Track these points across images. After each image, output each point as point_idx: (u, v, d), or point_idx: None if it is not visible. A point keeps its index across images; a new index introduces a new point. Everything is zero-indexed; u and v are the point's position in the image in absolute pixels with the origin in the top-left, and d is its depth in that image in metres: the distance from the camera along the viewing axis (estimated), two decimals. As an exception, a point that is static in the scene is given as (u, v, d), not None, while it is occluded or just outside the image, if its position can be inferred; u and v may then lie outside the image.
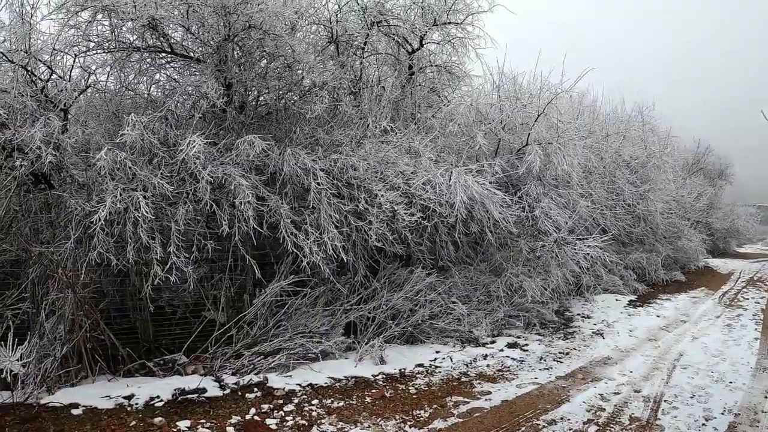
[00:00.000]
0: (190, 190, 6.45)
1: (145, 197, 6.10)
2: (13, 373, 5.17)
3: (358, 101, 8.50)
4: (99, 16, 7.15)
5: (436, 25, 9.69)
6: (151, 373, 6.27)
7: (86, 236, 6.17)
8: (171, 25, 7.49)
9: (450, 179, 7.05)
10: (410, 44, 9.83)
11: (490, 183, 7.79)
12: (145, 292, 6.13)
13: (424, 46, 9.89)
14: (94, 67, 7.42)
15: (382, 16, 9.10)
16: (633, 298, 11.79)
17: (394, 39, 9.77)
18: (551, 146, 8.68)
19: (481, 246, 8.57)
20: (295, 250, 6.29)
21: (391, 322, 7.04)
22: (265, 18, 7.15)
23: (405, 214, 6.58)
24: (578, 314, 9.91)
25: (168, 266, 6.04)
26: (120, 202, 6.00)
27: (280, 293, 6.72)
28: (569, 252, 8.74)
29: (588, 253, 8.93)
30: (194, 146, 6.12)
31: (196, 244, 6.45)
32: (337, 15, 8.75)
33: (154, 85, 8.28)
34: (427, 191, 6.87)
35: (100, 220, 5.75)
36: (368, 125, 7.33)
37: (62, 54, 7.07)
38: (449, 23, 9.80)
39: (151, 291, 6.10)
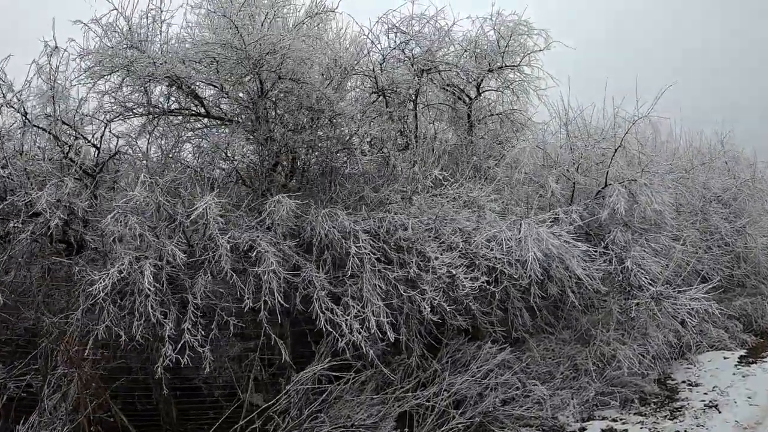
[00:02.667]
0: (211, 257, 4.99)
1: (157, 266, 4.74)
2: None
3: (412, 154, 6.91)
4: (126, 80, 6.10)
5: (491, 71, 7.97)
6: (168, 463, 4.81)
7: (98, 308, 4.87)
8: (200, 85, 6.32)
9: (519, 232, 5.17)
10: (467, 95, 8.12)
11: (568, 233, 5.83)
12: (159, 372, 4.66)
13: (482, 94, 8.19)
14: (130, 134, 6.32)
15: (431, 63, 7.51)
16: (743, 353, 9.01)
17: (448, 90, 8.17)
18: (635, 184, 6.60)
19: (563, 310, 6.49)
20: (329, 328, 4.61)
21: (455, 411, 5.08)
22: (294, 66, 5.75)
23: (466, 278, 4.76)
24: (683, 381, 7.41)
25: (180, 345, 4.59)
26: (132, 270, 4.66)
27: (319, 378, 5.02)
28: (670, 308, 6.47)
29: (692, 308, 6.62)
30: (209, 207, 4.68)
31: (217, 319, 4.97)
32: (381, 65, 7.22)
33: (190, 151, 7.06)
34: (492, 249, 5.02)
35: (105, 289, 4.43)
36: (417, 176, 5.61)
37: (91, 119, 6.04)
38: (505, 67, 8.06)
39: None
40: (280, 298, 4.51)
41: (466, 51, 8.07)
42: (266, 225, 5.23)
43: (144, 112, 6.26)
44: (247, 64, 5.66)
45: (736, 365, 8.30)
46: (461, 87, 8.13)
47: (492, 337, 5.63)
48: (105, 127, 6.05)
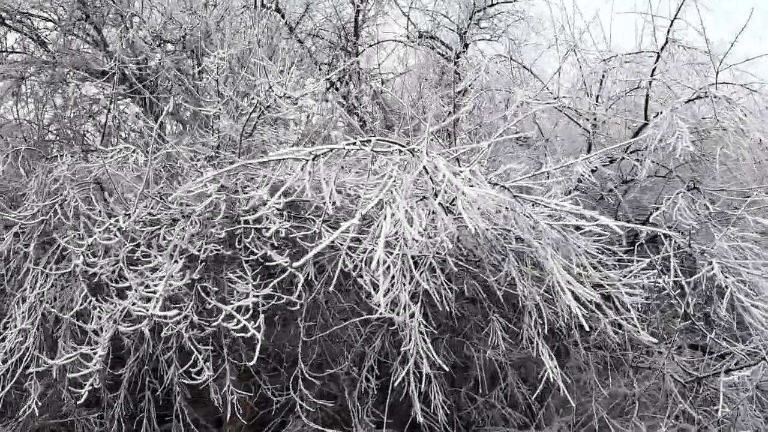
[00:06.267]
0: None
1: None
2: None
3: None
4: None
5: (480, 11, 5.07)
6: None
7: None
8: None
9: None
10: (449, 48, 5.31)
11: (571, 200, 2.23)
12: None
13: (469, 46, 5.36)
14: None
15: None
16: None
17: (425, 44, 5.35)
18: (707, 102, 2.83)
19: (567, 367, 2.35)
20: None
21: None
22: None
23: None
24: None
25: None
26: None
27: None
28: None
29: None
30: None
31: None
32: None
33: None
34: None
35: None
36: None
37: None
38: (497, 4, 5.13)
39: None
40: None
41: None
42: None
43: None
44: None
45: None
46: (439, 38, 5.35)
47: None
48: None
